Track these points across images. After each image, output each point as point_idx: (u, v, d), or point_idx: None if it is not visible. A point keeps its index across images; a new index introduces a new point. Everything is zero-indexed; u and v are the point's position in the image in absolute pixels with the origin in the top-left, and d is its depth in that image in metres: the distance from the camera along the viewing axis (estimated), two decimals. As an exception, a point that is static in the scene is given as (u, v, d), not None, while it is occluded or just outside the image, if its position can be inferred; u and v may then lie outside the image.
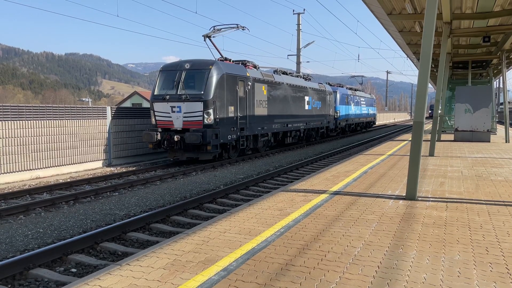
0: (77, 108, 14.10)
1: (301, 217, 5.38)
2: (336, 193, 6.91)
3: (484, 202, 6.26)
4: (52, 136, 13.09)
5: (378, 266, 3.69)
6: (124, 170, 13.62)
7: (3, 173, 11.65)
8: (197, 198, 8.81)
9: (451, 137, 19.04)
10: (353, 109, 32.93)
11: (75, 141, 13.84)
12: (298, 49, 33.91)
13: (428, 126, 28.59)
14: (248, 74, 16.22)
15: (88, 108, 14.50)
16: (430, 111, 51.90)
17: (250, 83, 16.23)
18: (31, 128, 12.45)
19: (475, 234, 4.65)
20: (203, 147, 13.92)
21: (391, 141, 18.68)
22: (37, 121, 12.62)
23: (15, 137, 12.00)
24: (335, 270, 3.60)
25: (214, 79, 14.15)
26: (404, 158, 11.86)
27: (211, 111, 13.94)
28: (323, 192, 7.01)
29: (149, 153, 16.68)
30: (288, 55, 36.50)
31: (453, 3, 11.87)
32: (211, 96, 13.96)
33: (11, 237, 6.68)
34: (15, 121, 12.02)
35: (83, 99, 66.24)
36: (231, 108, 15.00)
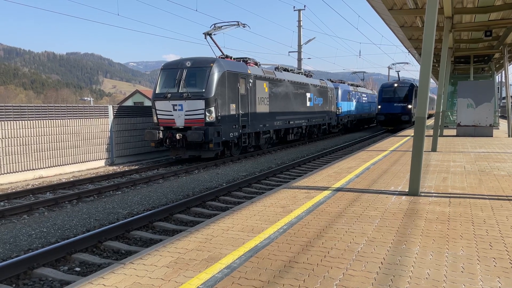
0: (79, 108, 14.11)
1: (304, 214, 5.38)
2: (338, 189, 6.91)
3: (487, 197, 6.24)
4: (55, 136, 13.11)
5: (381, 262, 3.68)
6: (126, 168, 13.64)
7: (6, 173, 11.69)
8: (200, 196, 8.82)
9: (454, 132, 19.00)
10: (354, 105, 32.83)
11: (77, 141, 13.86)
12: (299, 46, 33.79)
13: (429, 121, 28.50)
14: (249, 72, 16.20)
15: (90, 107, 14.52)
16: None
17: (251, 81, 16.21)
18: (33, 128, 12.47)
19: (479, 229, 4.64)
20: (205, 145, 13.93)
21: (393, 137, 18.64)
22: (39, 120, 12.65)
23: (17, 137, 12.03)
24: (338, 267, 3.60)
25: (216, 76, 14.13)
26: (407, 153, 11.83)
27: (212, 108, 13.93)
28: (326, 188, 7.00)
29: (151, 152, 16.70)
30: (289, 52, 36.29)
31: (454, -2, 11.82)
32: (213, 94, 13.95)
33: (15, 236, 6.70)
34: (17, 121, 12.04)
35: (85, 98, 66.37)
36: (233, 106, 14.99)
